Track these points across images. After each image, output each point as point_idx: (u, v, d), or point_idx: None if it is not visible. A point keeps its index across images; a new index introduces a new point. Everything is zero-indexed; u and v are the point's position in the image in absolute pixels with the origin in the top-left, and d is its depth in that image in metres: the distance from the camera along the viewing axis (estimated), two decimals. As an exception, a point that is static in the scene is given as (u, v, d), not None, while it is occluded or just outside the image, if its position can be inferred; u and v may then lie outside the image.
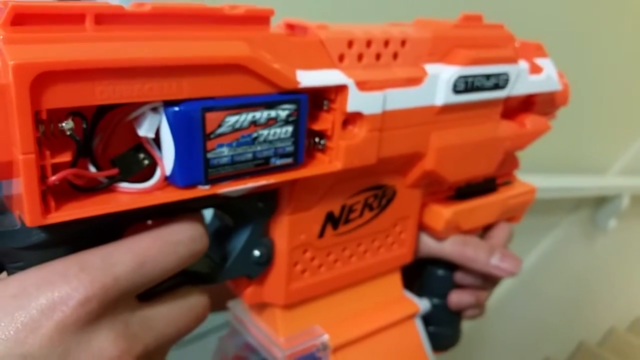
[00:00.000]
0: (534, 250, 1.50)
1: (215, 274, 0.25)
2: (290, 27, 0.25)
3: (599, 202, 1.68)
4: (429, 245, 0.35)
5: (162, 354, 0.23)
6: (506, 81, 0.31)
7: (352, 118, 0.25)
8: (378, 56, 0.26)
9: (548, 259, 1.55)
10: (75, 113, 0.18)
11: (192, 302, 0.24)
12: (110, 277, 0.20)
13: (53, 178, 0.18)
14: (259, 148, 0.22)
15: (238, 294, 0.29)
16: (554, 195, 1.34)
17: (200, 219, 0.23)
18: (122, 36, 0.19)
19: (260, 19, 0.22)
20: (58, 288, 0.19)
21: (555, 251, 1.57)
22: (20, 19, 0.17)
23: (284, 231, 0.27)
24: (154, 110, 0.20)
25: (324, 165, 0.25)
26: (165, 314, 0.22)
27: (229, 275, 0.26)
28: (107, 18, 0.19)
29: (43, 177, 0.18)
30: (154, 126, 0.20)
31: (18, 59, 0.16)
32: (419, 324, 0.33)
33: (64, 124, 0.18)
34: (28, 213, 0.18)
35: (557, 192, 1.34)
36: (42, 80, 0.17)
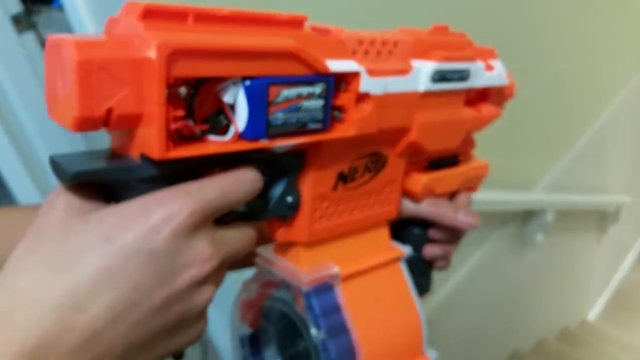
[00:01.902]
0: (467, 262, 1.59)
1: (262, 213, 0.34)
2: (316, 29, 0.34)
3: (527, 217, 1.79)
4: (409, 207, 0.44)
5: (227, 265, 0.31)
6: (468, 75, 0.41)
7: (362, 97, 0.34)
8: (379, 52, 0.35)
9: (480, 271, 1.64)
10: (186, 82, 0.27)
11: (247, 230, 0.32)
12: (205, 200, 0.27)
13: (174, 125, 0.26)
14: (301, 115, 0.31)
15: (272, 235, 0.37)
16: (484, 209, 1.43)
17: (256, 169, 0.31)
18: (215, 29, 0.27)
19: (298, 22, 0.31)
20: (171, 205, 0.26)
21: (487, 264, 1.66)
22: (147, 14, 0.25)
23: (309, 184, 0.35)
24: (235, 83, 0.28)
25: (341, 131, 0.34)
26: (233, 235, 0.30)
27: (271, 214, 0.34)
28: (201, 17, 0.27)
29: (167, 124, 0.26)
30: (235, 95, 0.28)
31: (160, 40, 0.24)
32: (404, 267, 0.42)
33: (180, 89, 0.26)
34: (157, 149, 0.26)
35: (487, 206, 1.42)
36: (173, 56, 0.25)
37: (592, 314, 2.94)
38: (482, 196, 1.40)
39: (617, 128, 2.24)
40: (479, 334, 1.86)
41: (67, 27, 0.88)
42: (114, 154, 0.29)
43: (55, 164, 0.26)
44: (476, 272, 1.62)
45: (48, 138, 1.02)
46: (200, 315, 0.29)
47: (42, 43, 1.58)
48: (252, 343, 0.44)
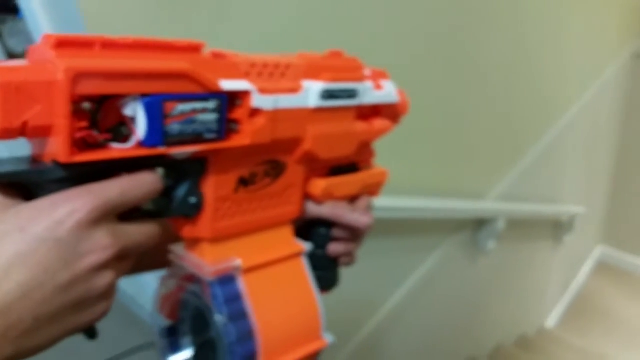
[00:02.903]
0: (420, 268, 1.65)
1: (166, 211, 0.39)
2: (215, 54, 0.39)
3: (479, 225, 1.87)
4: (312, 209, 0.50)
5: (130, 259, 0.36)
6: (356, 94, 0.47)
7: (255, 112, 0.40)
8: (271, 74, 0.41)
9: (433, 277, 1.70)
10: (91, 99, 0.32)
11: (150, 226, 0.37)
12: (105, 197, 0.33)
13: (79, 134, 0.31)
14: (197, 126, 0.36)
15: (179, 232, 0.42)
16: (438, 216, 1.50)
17: (157, 173, 0.37)
18: (120, 55, 0.33)
19: (195, 48, 0.37)
20: (75, 201, 0.31)
21: (440, 270, 1.73)
22: (60, 44, 0.31)
23: (211, 186, 0.40)
24: (135, 99, 0.33)
25: (237, 141, 0.39)
26: (135, 230, 0.36)
27: (175, 213, 0.39)
28: (107, 44, 0.32)
29: (72, 133, 0.31)
30: (135, 109, 0.34)
31: (66, 65, 0.30)
32: (305, 262, 0.48)
33: (84, 104, 0.31)
34: (63, 154, 0.31)
35: (441, 213, 1.50)
36: (77, 78, 0.30)
37: (551, 321, 3.05)
38: (436, 204, 1.47)
39: (570, 141, 2.38)
40: (434, 340, 1.91)
41: (30, 38, 0.91)
42: (34, 160, 0.33)
43: None
44: (429, 278, 1.68)
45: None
46: (103, 297, 0.34)
47: (7, 52, 1.59)
48: (171, 334, 0.48)
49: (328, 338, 0.47)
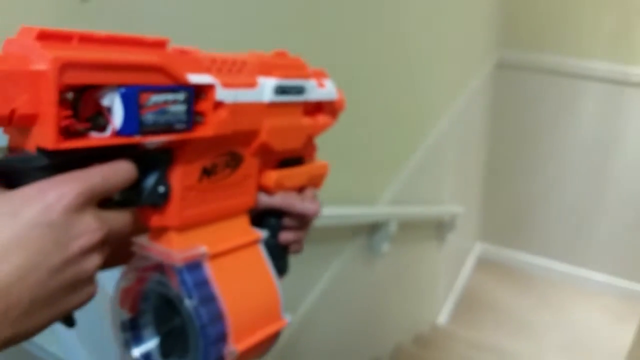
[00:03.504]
0: (323, 276, 1.70)
1: (137, 200, 0.41)
2: (179, 50, 0.42)
3: (372, 229, 1.96)
4: (265, 199, 0.53)
5: (109, 246, 0.37)
6: (304, 90, 0.51)
7: (218, 105, 0.43)
8: (230, 70, 0.44)
9: (335, 284, 1.76)
10: (73, 89, 0.33)
11: (125, 213, 0.39)
12: (89, 183, 0.34)
13: (64, 122, 0.33)
14: (168, 117, 0.38)
15: (147, 222, 0.44)
16: (335, 223, 1.56)
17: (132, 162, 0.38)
18: (95, 49, 0.34)
19: (162, 44, 0.39)
20: (62, 187, 0.33)
21: (341, 276, 1.79)
22: (42, 36, 0.32)
23: (177, 176, 0.43)
24: (112, 90, 0.35)
25: (203, 131, 0.42)
26: (114, 216, 0.37)
27: (145, 202, 0.41)
28: (84, 38, 0.34)
29: (59, 121, 0.32)
30: (112, 99, 0.35)
31: (53, 55, 0.31)
32: (262, 248, 0.51)
33: (68, 94, 0.33)
34: (51, 141, 0.32)
35: (337, 220, 1.55)
36: (63, 67, 0.32)
37: (442, 318, 3.23)
38: (333, 211, 1.53)
39: (447, 146, 2.58)
40: (340, 343, 1.96)
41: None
42: (12, 150, 0.34)
43: None
44: (332, 285, 1.73)
45: None
46: (91, 280, 0.35)
47: None
48: (132, 327, 0.49)
49: (287, 317, 0.51)
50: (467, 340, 2.87)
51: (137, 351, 0.49)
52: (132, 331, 0.49)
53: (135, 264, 0.47)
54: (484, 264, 3.84)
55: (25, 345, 0.79)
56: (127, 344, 0.49)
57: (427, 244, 2.72)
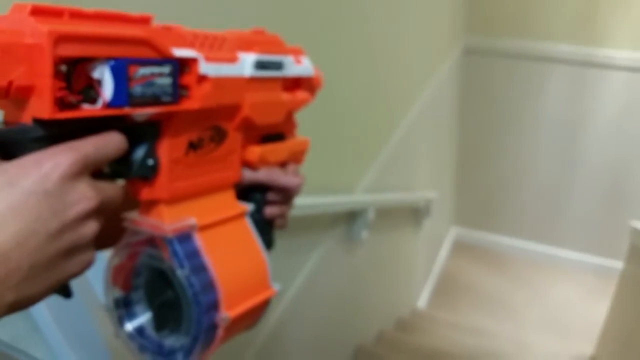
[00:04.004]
0: (305, 265, 1.72)
1: (127, 173, 0.42)
2: (163, 26, 0.43)
3: (351, 217, 1.99)
4: (249, 175, 0.55)
5: (103, 216, 0.39)
6: (282, 66, 0.53)
7: (202, 78, 0.44)
8: (211, 45, 0.46)
9: (317, 273, 1.79)
10: (66, 62, 0.34)
11: (117, 185, 0.40)
12: (83, 152, 0.35)
13: (58, 94, 0.34)
14: (155, 89, 0.40)
15: (137, 195, 0.45)
16: (315, 212, 1.58)
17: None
18: (85, 23, 0.35)
19: (146, 20, 0.40)
20: (58, 156, 0.34)
21: (322, 265, 1.82)
22: (35, 11, 0.33)
23: (165, 149, 0.44)
24: (102, 63, 0.36)
25: (188, 104, 0.43)
26: (107, 186, 0.38)
27: (135, 174, 0.42)
28: (74, 14, 0.35)
29: (54, 92, 0.33)
30: (102, 72, 0.36)
31: (49, 28, 0.32)
32: (249, 220, 0.52)
33: (62, 67, 0.34)
34: (47, 111, 0.33)
35: (317, 209, 1.57)
36: (58, 40, 0.33)
37: (421, 302, 3.30)
38: (312, 201, 1.56)
39: (419, 132, 2.63)
40: (324, 332, 1.99)
41: None
42: (6, 124, 0.35)
43: None
44: (314, 275, 1.75)
45: None
46: (88, 246, 0.36)
47: None
48: (125, 304, 0.50)
49: (276, 287, 0.52)
50: (447, 322, 2.94)
51: (130, 326, 0.50)
52: (125, 308, 0.50)
53: (126, 240, 0.48)
54: (459, 247, 3.94)
55: (10, 351, 0.79)
56: (121, 320, 0.50)
57: (404, 230, 2.77)
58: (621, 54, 3.22)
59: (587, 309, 3.27)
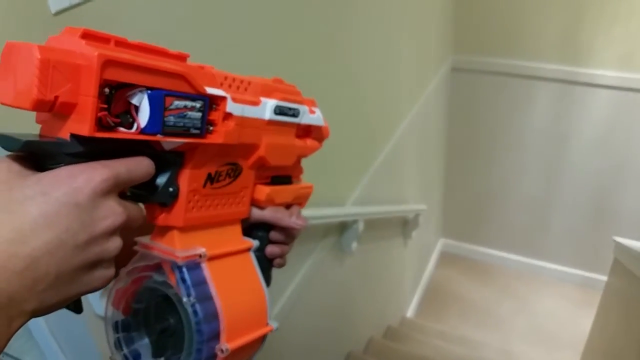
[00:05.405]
0: (298, 275, 1.76)
1: (147, 197, 0.44)
2: (197, 65, 0.46)
3: (342, 228, 2.06)
4: (256, 213, 0.57)
5: (122, 233, 0.40)
6: (298, 114, 0.56)
7: (228, 116, 0.47)
8: (238, 87, 0.49)
9: (310, 283, 1.82)
10: (109, 85, 0.37)
11: (139, 207, 0.42)
12: (116, 171, 0.37)
13: (100, 114, 0.36)
14: (186, 121, 0.42)
15: (154, 220, 0.46)
16: (308, 224, 1.63)
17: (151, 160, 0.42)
18: (128, 52, 0.39)
19: (183, 57, 0.44)
20: (91, 172, 0.36)
21: (314, 274, 1.86)
22: (85, 35, 0.36)
23: (186, 179, 0.46)
24: (141, 91, 0.39)
25: (213, 139, 0.46)
26: (131, 205, 0.40)
27: (155, 199, 0.44)
28: (119, 42, 0.38)
29: (96, 112, 0.36)
30: (140, 99, 0.39)
31: (98, 52, 0.35)
32: (253, 256, 0.54)
33: (105, 89, 0.36)
34: (87, 128, 0.35)
35: (309, 221, 1.62)
36: (105, 64, 0.35)
37: (410, 311, 3.29)
38: (305, 213, 1.58)
39: (407, 147, 2.74)
40: (315, 342, 2.01)
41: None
42: (42, 137, 0.37)
43: (4, 137, 0.34)
44: (306, 284, 1.78)
45: None
46: (110, 262, 0.38)
47: None
48: (125, 328, 0.51)
49: (273, 324, 0.53)
50: (435, 332, 2.95)
51: (127, 351, 0.50)
52: (123, 332, 0.50)
53: (133, 264, 0.49)
54: (447, 258, 3.99)
55: (4, 358, 0.77)
56: (118, 344, 0.50)
57: (393, 241, 2.83)
58: (605, 73, 3.33)
59: (572, 320, 3.29)
